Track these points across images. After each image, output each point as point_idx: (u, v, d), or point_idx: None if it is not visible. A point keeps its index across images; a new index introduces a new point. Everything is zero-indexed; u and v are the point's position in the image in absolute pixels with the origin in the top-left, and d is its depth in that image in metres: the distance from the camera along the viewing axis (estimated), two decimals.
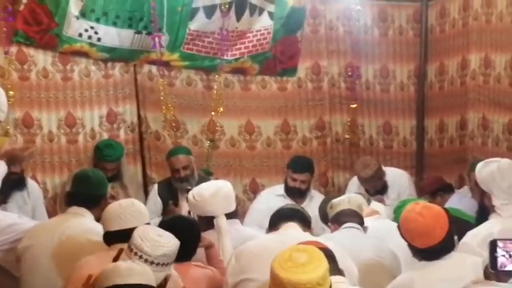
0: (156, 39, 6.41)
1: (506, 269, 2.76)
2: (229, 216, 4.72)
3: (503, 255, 2.68)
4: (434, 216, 3.74)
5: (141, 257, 3.45)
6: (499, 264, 2.67)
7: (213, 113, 6.79)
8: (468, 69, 6.74)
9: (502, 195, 4.17)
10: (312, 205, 5.77)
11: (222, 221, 4.60)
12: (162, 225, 4.28)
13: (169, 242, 3.57)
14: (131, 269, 3.17)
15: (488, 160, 4.30)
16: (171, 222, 4.31)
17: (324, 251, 3.45)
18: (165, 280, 3.50)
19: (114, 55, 6.46)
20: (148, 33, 6.38)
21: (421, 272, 3.75)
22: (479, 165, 4.31)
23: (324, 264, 2.97)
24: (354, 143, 7.28)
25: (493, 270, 2.75)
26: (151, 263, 3.45)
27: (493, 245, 2.66)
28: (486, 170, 4.21)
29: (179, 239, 4.06)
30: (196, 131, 6.88)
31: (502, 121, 6.30)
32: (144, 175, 6.78)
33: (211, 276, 4.25)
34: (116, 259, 3.51)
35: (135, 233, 3.54)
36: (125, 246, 3.57)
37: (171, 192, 6.21)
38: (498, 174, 4.16)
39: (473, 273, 3.51)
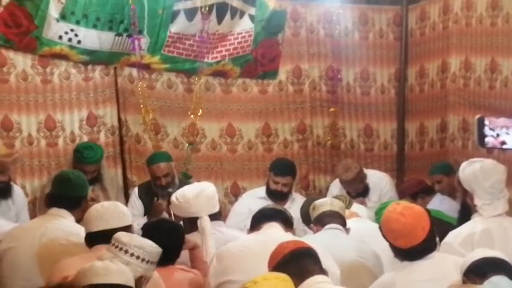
0: (136, 41, 6.38)
1: (492, 146, 2.72)
2: (213, 217, 4.72)
3: (492, 135, 2.67)
4: (416, 216, 3.74)
5: (126, 251, 3.41)
6: (486, 141, 2.64)
7: (192, 115, 6.76)
8: (448, 72, 6.77)
9: (484, 195, 4.18)
10: (293, 207, 5.75)
11: (205, 222, 4.60)
12: (146, 228, 4.28)
13: (155, 245, 3.55)
14: (107, 268, 3.13)
15: (471, 160, 4.31)
16: (155, 226, 4.31)
17: (307, 250, 3.46)
18: (140, 278, 3.44)
19: (95, 58, 6.42)
20: (129, 36, 6.35)
21: (402, 272, 3.75)
22: (462, 165, 4.31)
23: None
24: (335, 146, 7.30)
25: (481, 147, 2.73)
26: (138, 257, 3.41)
27: (480, 122, 2.62)
28: (469, 169, 4.22)
29: (163, 243, 4.05)
30: (176, 134, 6.86)
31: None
32: (124, 178, 6.74)
33: (195, 279, 4.24)
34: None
35: (121, 233, 3.51)
36: (106, 247, 3.54)
37: (152, 195, 6.17)
38: (481, 174, 4.17)
39: (455, 272, 3.51)
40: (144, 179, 6.49)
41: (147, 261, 3.45)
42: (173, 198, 4.82)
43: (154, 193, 6.15)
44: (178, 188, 5.92)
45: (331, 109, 7.15)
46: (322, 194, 6.82)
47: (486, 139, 2.55)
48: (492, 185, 4.17)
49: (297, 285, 3.20)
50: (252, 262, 3.70)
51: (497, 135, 2.59)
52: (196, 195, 4.72)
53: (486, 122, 2.56)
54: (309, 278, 3.34)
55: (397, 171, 7.30)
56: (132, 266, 3.36)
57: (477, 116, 2.66)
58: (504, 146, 2.56)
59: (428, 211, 3.89)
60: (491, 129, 2.55)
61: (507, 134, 2.55)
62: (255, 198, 6.29)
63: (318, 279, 3.35)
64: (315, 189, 7.23)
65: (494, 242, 4.08)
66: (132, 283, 3.19)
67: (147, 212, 6.14)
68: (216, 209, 4.80)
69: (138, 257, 3.41)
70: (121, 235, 3.48)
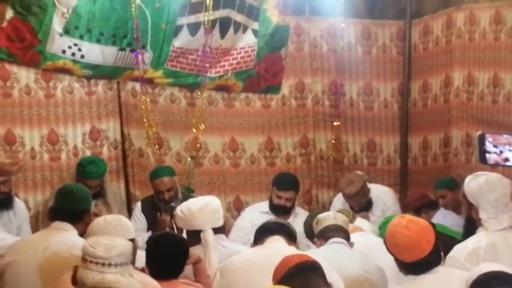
0: (140, 56, 6.38)
1: (494, 163, 2.70)
2: (216, 231, 4.71)
3: (495, 152, 2.65)
4: (421, 230, 3.71)
5: (97, 263, 3.33)
6: (487, 158, 2.63)
7: (194, 130, 6.76)
8: (451, 87, 6.77)
9: (489, 208, 4.16)
10: (296, 222, 5.73)
11: (208, 235, 4.62)
12: (151, 242, 4.28)
13: (121, 243, 3.47)
14: (118, 281, 3.10)
15: (476, 173, 4.29)
16: (159, 239, 4.31)
17: (312, 264, 3.45)
18: None
19: (98, 72, 6.43)
20: (132, 50, 6.35)
21: (407, 286, 3.73)
22: (467, 178, 4.30)
23: None
24: (338, 161, 7.28)
25: (482, 164, 2.72)
26: (109, 265, 3.33)
27: (481, 139, 2.61)
28: (474, 182, 4.20)
29: (167, 256, 4.04)
30: (179, 148, 6.85)
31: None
32: (127, 192, 6.73)
33: None
34: (74, 276, 3.44)
35: (85, 244, 3.45)
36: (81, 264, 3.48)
37: (155, 209, 6.16)
38: (486, 188, 4.15)
39: (461, 286, 3.48)
40: (147, 193, 6.48)
41: (125, 264, 3.39)
42: (178, 210, 4.84)
43: (157, 208, 6.14)
44: (181, 202, 5.93)
45: (335, 123, 7.14)
46: (325, 208, 6.79)
47: (487, 155, 2.55)
48: (497, 199, 4.15)
49: None
50: (256, 276, 3.69)
51: (501, 152, 2.58)
52: (201, 209, 4.74)
53: (489, 139, 2.56)
54: None
55: (400, 185, 7.28)
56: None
57: (478, 133, 2.65)
58: (507, 163, 2.56)
59: (433, 225, 3.86)
60: (494, 146, 2.54)
61: (510, 151, 2.55)
62: (258, 213, 6.28)
63: None
64: (318, 203, 7.22)
65: (499, 256, 4.06)
66: None
67: (150, 227, 6.13)
68: (220, 223, 4.81)
69: (116, 265, 3.34)
70: (93, 250, 3.40)
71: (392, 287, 3.93)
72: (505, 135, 2.48)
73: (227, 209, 6.96)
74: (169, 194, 6.11)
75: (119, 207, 6.37)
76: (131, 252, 3.49)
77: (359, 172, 6.70)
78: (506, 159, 2.54)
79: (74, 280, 3.40)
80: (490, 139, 2.57)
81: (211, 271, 4.36)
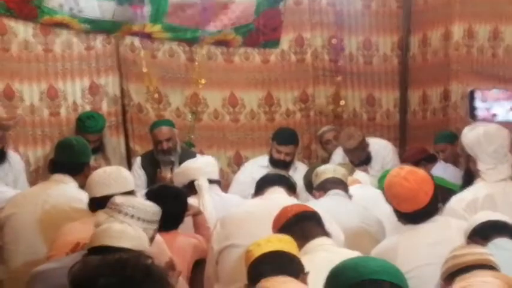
0: (138, 10, 6.35)
1: (483, 118, 2.71)
2: (211, 182, 4.88)
3: (484, 108, 2.67)
4: (419, 181, 3.73)
5: (120, 211, 3.34)
6: (476, 114, 2.64)
7: (195, 85, 6.74)
8: (451, 40, 6.72)
9: (487, 159, 4.16)
10: (296, 176, 5.71)
11: (202, 182, 4.81)
12: (149, 194, 4.30)
13: (150, 203, 3.50)
14: (124, 231, 3.02)
15: (474, 124, 4.28)
16: (157, 191, 4.34)
17: (311, 214, 3.47)
18: None
19: (96, 26, 6.39)
20: (131, 4, 6.31)
21: (405, 235, 3.75)
22: (465, 130, 4.29)
23: None
24: (337, 116, 7.27)
25: (472, 119, 2.73)
26: (132, 216, 3.34)
27: (471, 95, 2.63)
28: (472, 133, 4.19)
29: (166, 208, 4.05)
30: (179, 103, 6.84)
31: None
32: (127, 147, 6.74)
33: (197, 244, 4.27)
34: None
35: (115, 196, 3.47)
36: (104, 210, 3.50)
37: (155, 164, 6.17)
38: (484, 139, 4.14)
39: (459, 236, 3.51)
40: (147, 148, 6.48)
41: (144, 220, 3.37)
42: (175, 169, 4.93)
43: (157, 162, 6.14)
44: (180, 156, 5.96)
45: (338, 78, 7.11)
46: (325, 162, 6.76)
47: (477, 111, 2.55)
48: (496, 149, 4.14)
49: (300, 247, 3.22)
50: (256, 226, 3.70)
51: (489, 107, 2.58)
52: (194, 161, 5.08)
53: (478, 94, 2.55)
54: (313, 240, 3.35)
55: (399, 140, 7.28)
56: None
57: (469, 89, 2.64)
58: (495, 118, 2.55)
59: (431, 176, 3.88)
60: (483, 101, 2.53)
61: (499, 106, 2.54)
62: (257, 167, 6.27)
63: (322, 241, 3.37)
64: (317, 158, 7.21)
65: (497, 207, 4.06)
66: (147, 248, 3.05)
67: (150, 182, 6.14)
68: (215, 177, 4.98)
69: (132, 216, 3.34)
70: (115, 198, 3.44)
71: (391, 237, 3.94)
72: (494, 90, 2.47)
73: (227, 164, 6.98)
74: (167, 144, 6.09)
75: (119, 162, 6.35)
76: (157, 214, 3.47)
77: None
78: (495, 115, 2.54)
79: None
80: (479, 94, 2.57)
81: (207, 216, 4.50)
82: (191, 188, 4.77)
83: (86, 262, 2.39)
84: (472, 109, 2.59)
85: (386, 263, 2.31)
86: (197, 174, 4.86)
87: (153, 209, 3.47)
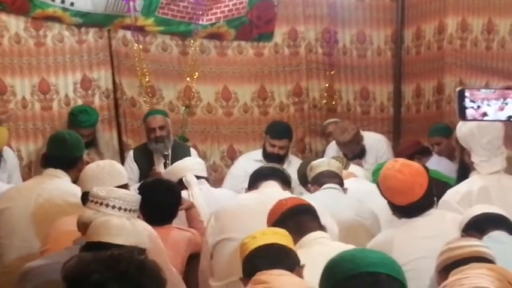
0: (131, 3, 6.33)
1: (472, 118, 2.69)
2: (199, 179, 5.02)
3: (472, 107, 2.64)
4: (414, 174, 3.71)
5: (107, 205, 3.32)
6: (467, 115, 2.62)
7: (188, 78, 6.72)
8: (445, 34, 6.71)
9: (481, 151, 4.13)
10: (290, 170, 5.68)
11: (190, 177, 4.96)
12: (142, 188, 4.28)
13: (133, 193, 3.49)
14: (123, 227, 2.96)
15: None
16: (151, 185, 4.33)
17: (306, 207, 3.45)
18: None
19: (88, 20, 6.36)
20: None
21: (401, 229, 3.73)
22: (460, 122, 4.27)
23: None
24: (331, 109, 7.26)
25: (461, 119, 2.70)
26: (120, 208, 3.33)
27: (461, 94, 2.60)
28: (466, 126, 4.16)
29: (160, 202, 4.05)
30: (172, 97, 6.82)
31: (479, 85, 6.28)
32: (120, 141, 6.72)
33: (191, 238, 4.26)
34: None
35: (96, 188, 3.44)
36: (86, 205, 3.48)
37: (147, 158, 6.15)
38: (477, 131, 4.11)
39: (454, 229, 3.49)
40: (140, 142, 6.46)
41: (130, 210, 3.37)
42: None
43: (150, 155, 6.11)
44: (173, 149, 5.96)
45: (331, 72, 7.10)
46: (319, 156, 6.76)
47: (467, 111, 2.53)
48: (489, 141, 4.11)
49: (296, 241, 3.20)
50: (250, 219, 3.69)
51: (478, 107, 2.55)
52: (182, 161, 5.28)
53: (467, 93, 2.53)
54: (308, 234, 3.34)
55: (393, 133, 7.26)
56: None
57: (458, 88, 2.62)
58: (485, 118, 2.54)
59: (426, 168, 3.86)
60: (471, 101, 2.51)
61: (488, 105, 2.52)
62: (251, 161, 6.25)
63: (317, 235, 3.35)
64: (311, 152, 7.21)
65: (492, 199, 4.04)
66: (146, 245, 2.99)
67: (142, 176, 6.11)
68: (203, 174, 5.11)
69: (120, 208, 3.34)
70: (97, 190, 3.41)
71: (386, 230, 3.93)
72: (482, 90, 2.46)
73: (221, 158, 6.97)
74: (161, 132, 6.06)
75: (112, 156, 6.32)
76: (136, 202, 3.45)
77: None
78: (484, 114, 2.52)
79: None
80: (468, 94, 2.55)
81: (199, 209, 4.59)
82: (181, 185, 4.81)
83: (80, 258, 2.37)
84: (462, 109, 2.58)
85: (384, 255, 2.29)
86: (185, 171, 5.02)
87: (136, 198, 3.47)
